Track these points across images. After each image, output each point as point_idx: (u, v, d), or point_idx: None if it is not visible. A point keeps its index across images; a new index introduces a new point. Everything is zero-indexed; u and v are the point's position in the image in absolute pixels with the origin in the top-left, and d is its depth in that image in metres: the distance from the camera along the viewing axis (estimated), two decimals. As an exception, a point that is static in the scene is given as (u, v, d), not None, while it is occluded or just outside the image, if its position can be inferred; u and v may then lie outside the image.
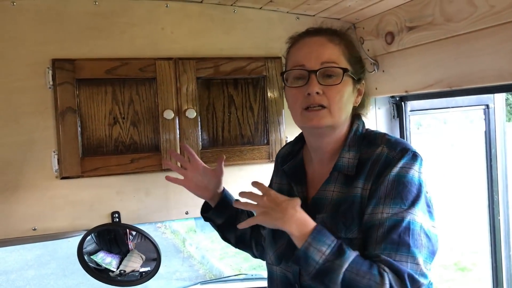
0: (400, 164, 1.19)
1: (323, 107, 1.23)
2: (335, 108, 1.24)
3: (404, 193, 1.16)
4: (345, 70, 1.25)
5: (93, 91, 1.81)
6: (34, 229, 1.75)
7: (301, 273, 1.25)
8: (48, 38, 1.75)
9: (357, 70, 1.31)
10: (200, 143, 1.91)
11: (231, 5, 1.94)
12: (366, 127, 1.37)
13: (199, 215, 2.00)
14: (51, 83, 1.74)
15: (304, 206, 1.24)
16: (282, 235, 1.29)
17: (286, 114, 2.00)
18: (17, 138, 1.72)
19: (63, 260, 7.97)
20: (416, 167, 1.20)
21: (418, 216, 1.15)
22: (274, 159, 1.75)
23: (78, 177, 1.77)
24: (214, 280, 3.01)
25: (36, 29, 1.74)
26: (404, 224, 1.13)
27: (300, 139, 1.45)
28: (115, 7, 1.82)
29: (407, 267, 1.10)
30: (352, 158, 1.27)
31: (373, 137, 1.30)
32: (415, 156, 1.21)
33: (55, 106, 1.75)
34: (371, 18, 1.93)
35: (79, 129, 1.77)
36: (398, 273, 1.09)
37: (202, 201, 1.93)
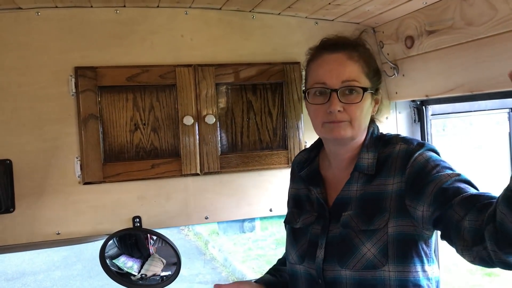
0: (421, 151, 1.26)
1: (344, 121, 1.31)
2: (356, 122, 1.32)
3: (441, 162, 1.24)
4: (365, 90, 1.31)
5: (115, 98, 1.84)
6: (58, 233, 1.78)
7: (324, 268, 1.30)
8: (71, 46, 1.79)
9: (375, 82, 1.37)
10: (220, 149, 1.93)
11: (250, 11, 1.95)
12: (387, 131, 1.46)
13: (218, 220, 2.02)
14: (73, 90, 1.78)
15: (324, 207, 1.36)
16: (303, 235, 1.39)
17: (305, 119, 1.99)
18: (41, 144, 1.76)
19: (88, 261, 8.12)
20: (434, 154, 1.28)
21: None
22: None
23: (100, 182, 1.81)
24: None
25: (59, 38, 1.78)
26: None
27: (316, 146, 1.51)
28: (135, 15, 1.85)
29: None
30: (371, 159, 1.35)
31: (389, 138, 1.39)
32: (432, 149, 1.30)
33: (77, 113, 1.79)
34: (390, 22, 1.92)
35: (101, 135, 1.81)
36: None
37: (221, 205, 1.96)
